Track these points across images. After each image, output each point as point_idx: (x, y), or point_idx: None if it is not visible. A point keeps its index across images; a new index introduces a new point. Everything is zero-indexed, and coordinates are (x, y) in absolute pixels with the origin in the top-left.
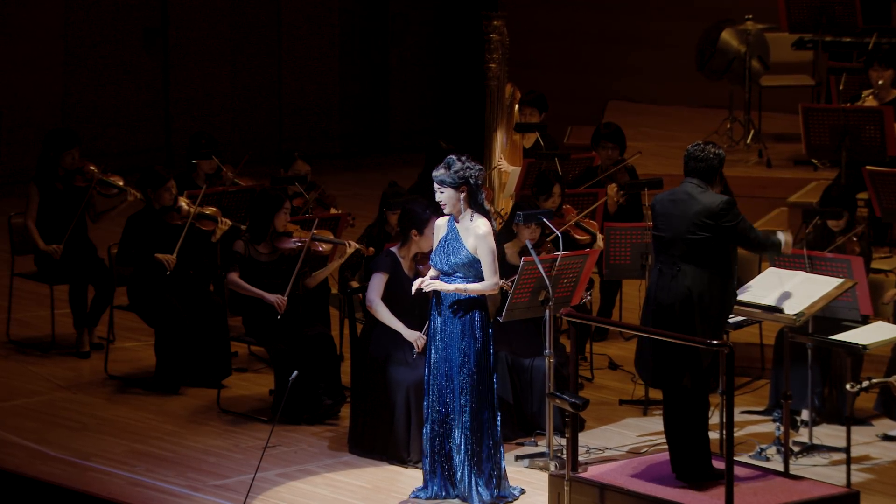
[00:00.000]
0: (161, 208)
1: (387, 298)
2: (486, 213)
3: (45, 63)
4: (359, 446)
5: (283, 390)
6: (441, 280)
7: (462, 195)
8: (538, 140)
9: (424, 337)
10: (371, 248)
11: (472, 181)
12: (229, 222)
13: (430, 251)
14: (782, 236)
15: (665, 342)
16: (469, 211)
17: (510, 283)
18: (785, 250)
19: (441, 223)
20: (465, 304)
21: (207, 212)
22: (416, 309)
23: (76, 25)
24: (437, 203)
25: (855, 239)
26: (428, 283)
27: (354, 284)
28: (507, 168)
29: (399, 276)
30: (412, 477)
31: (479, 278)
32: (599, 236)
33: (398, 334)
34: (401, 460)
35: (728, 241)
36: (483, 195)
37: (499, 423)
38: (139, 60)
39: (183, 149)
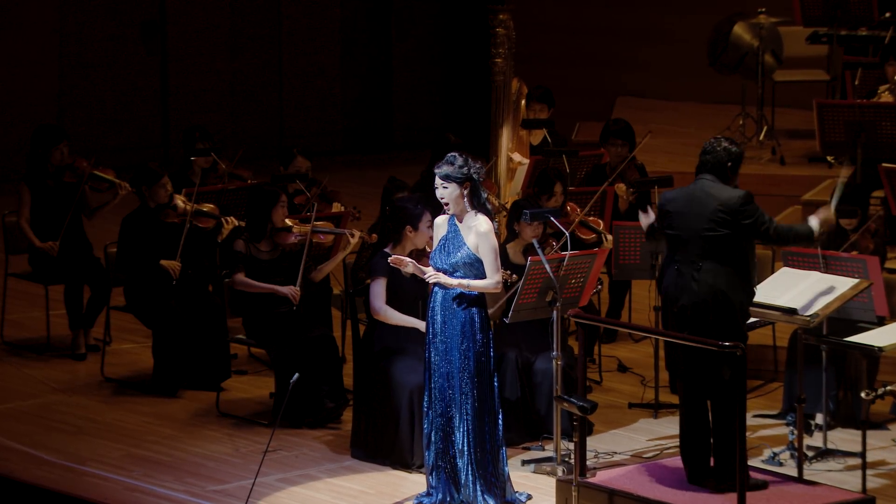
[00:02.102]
0: (156, 206)
1: (389, 301)
2: (487, 212)
3: (39, 57)
4: (362, 450)
5: (283, 393)
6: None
7: (465, 192)
8: (546, 137)
9: None
10: (374, 235)
11: (475, 178)
12: (235, 221)
13: (426, 248)
14: (815, 221)
15: (695, 347)
16: (471, 209)
17: (509, 273)
18: (823, 228)
19: (441, 222)
20: (464, 304)
21: (205, 209)
22: (419, 308)
23: (71, 18)
24: (436, 200)
25: (868, 235)
26: (432, 274)
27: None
28: (518, 159)
29: (398, 277)
30: (416, 482)
31: (480, 278)
32: (607, 238)
33: (401, 334)
34: (405, 465)
35: (748, 237)
36: (485, 194)
37: (500, 426)
38: (136, 55)
39: (181, 145)
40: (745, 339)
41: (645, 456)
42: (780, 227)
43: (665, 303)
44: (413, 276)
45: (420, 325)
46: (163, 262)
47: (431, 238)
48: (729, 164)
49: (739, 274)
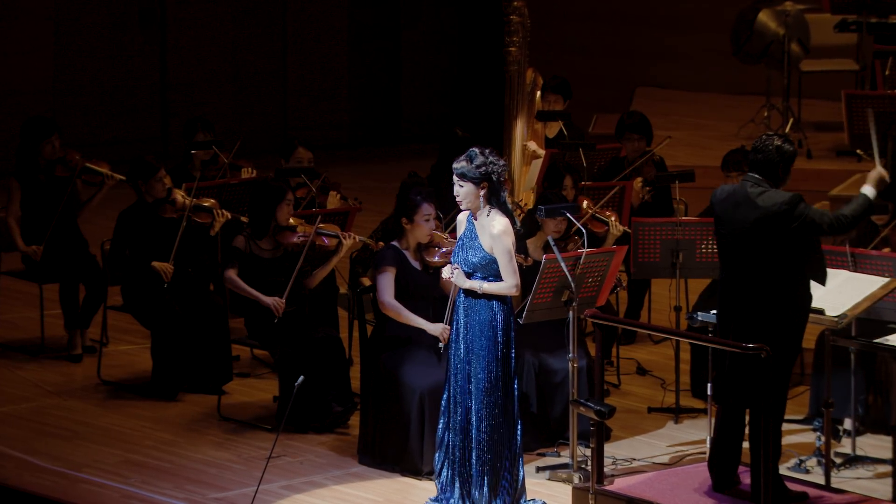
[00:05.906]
0: (154, 201)
1: (398, 296)
2: (507, 212)
3: (32, 45)
4: (369, 456)
5: (288, 397)
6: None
7: (482, 192)
8: (562, 129)
9: (448, 328)
10: (381, 243)
11: (494, 177)
12: (228, 214)
13: (431, 240)
14: (869, 187)
15: (738, 355)
16: (488, 208)
17: (524, 256)
18: (880, 188)
19: (462, 219)
20: (486, 306)
21: (205, 204)
22: (431, 303)
23: (66, 4)
24: (450, 195)
25: None
26: (449, 270)
27: (366, 282)
28: (534, 148)
29: (407, 270)
30: (426, 489)
31: (500, 279)
32: (613, 224)
33: (412, 328)
34: (414, 471)
35: (801, 238)
36: (505, 193)
37: (519, 432)
38: (134, 42)
39: (180, 137)
40: (796, 349)
41: (665, 462)
42: (836, 214)
43: (719, 313)
44: (424, 269)
45: (429, 327)
46: (154, 263)
47: (433, 231)
48: (781, 164)
49: (791, 282)
